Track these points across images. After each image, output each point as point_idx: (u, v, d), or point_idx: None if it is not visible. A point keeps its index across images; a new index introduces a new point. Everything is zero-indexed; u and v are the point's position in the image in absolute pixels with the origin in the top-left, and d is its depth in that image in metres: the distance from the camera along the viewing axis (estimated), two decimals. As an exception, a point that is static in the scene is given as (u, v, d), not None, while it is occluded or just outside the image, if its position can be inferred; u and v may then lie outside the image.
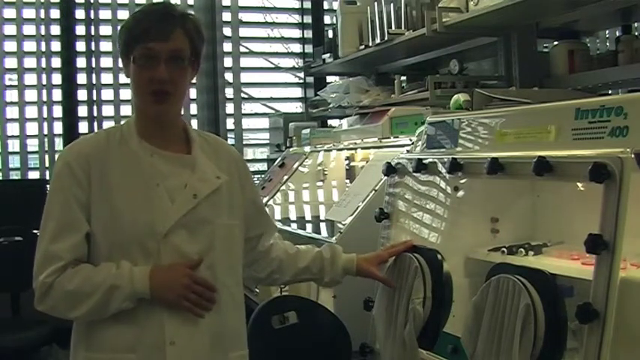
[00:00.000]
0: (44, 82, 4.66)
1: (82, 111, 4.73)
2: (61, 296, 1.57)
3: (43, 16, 4.64)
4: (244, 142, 5.20)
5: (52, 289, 1.57)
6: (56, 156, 4.08)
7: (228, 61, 5.00)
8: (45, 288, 1.57)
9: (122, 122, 1.78)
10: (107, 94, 4.77)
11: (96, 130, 4.39)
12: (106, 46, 4.81)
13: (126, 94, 4.70)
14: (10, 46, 4.60)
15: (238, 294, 1.76)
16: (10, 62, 4.61)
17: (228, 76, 5.01)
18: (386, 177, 2.33)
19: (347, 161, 3.67)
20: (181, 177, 1.66)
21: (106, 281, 1.56)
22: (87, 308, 1.57)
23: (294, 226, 3.40)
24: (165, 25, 1.61)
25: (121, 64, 1.70)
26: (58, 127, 4.71)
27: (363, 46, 3.93)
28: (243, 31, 5.16)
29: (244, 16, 5.20)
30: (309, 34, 5.24)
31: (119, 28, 1.67)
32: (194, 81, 4.89)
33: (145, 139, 1.67)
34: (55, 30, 4.68)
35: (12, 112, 4.67)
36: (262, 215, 1.94)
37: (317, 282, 2.07)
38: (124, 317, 1.59)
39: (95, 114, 4.75)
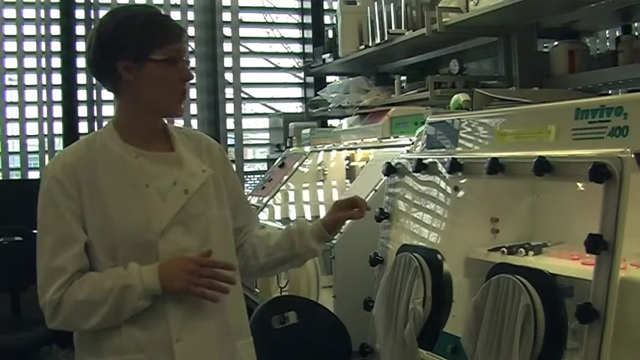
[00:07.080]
0: (44, 82, 4.65)
1: (82, 111, 4.72)
2: (73, 308, 1.54)
3: (43, 16, 4.62)
4: (244, 142, 5.18)
5: (62, 304, 1.54)
6: (56, 156, 4.06)
7: (228, 61, 4.98)
8: (54, 304, 1.54)
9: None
10: (107, 94, 4.71)
11: (96, 130, 4.37)
12: (106, 46, 4.79)
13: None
14: (10, 46, 4.58)
15: (238, 281, 1.75)
16: (10, 62, 4.59)
17: (228, 76, 5.00)
18: (386, 177, 2.33)
19: (347, 161, 3.67)
20: (170, 175, 1.66)
21: (116, 283, 1.54)
22: (102, 315, 1.54)
23: (294, 226, 3.40)
24: (179, 27, 1.68)
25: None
26: (58, 127, 4.69)
27: (363, 46, 3.92)
28: (243, 31, 5.15)
29: (244, 16, 5.19)
30: (309, 34, 5.23)
31: (121, 29, 1.62)
32: (194, 81, 4.92)
33: (127, 142, 1.67)
34: (55, 30, 4.66)
35: (12, 112, 4.65)
36: (245, 205, 1.92)
37: (292, 260, 1.90)
38: (129, 319, 1.57)
39: (95, 114, 4.73)
